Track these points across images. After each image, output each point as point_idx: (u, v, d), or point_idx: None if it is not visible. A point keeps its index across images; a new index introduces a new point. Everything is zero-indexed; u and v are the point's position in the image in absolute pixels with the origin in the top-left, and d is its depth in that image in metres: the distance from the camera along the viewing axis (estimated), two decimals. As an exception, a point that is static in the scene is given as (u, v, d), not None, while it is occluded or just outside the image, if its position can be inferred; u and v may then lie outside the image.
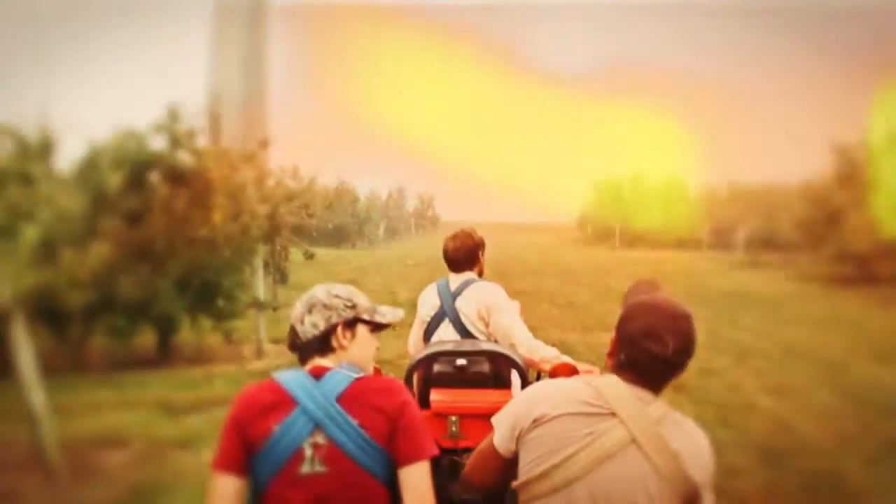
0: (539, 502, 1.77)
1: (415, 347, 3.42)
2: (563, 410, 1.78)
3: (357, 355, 1.97)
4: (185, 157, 7.66)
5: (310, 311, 1.93)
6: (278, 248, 10.91)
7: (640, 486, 1.70)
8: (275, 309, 8.60)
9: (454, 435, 2.78)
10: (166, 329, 7.72)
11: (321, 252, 21.37)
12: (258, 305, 7.91)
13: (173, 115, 7.46)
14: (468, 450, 2.64)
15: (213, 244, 7.43)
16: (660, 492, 1.70)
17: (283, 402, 1.84)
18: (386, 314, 2.05)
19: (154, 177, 7.43)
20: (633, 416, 1.73)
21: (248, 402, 1.87)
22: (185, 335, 7.97)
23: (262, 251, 8.18)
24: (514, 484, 1.84)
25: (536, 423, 1.80)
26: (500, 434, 1.88)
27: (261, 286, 8.03)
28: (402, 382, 1.98)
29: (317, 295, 1.96)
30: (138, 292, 7.19)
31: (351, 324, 1.97)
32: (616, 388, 1.79)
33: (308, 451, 1.80)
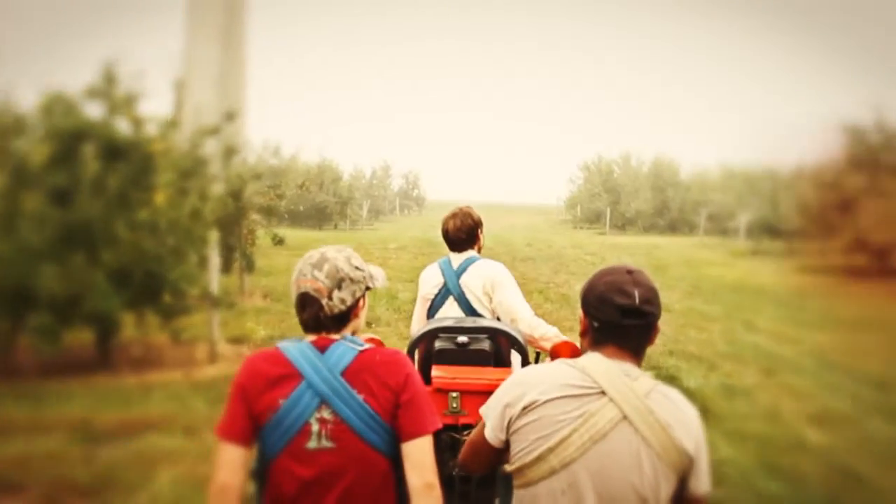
0: (536, 486, 1.76)
1: (417, 325, 3.42)
2: (552, 395, 1.77)
3: (361, 322, 1.99)
4: (125, 127, 6.52)
5: (339, 286, 1.88)
6: (245, 231, 9.79)
7: (635, 462, 1.70)
8: (231, 306, 7.43)
9: (455, 411, 2.79)
10: (104, 328, 6.60)
11: (299, 234, 20.23)
12: (212, 301, 6.76)
13: (109, 78, 6.29)
14: (468, 426, 2.68)
15: (156, 229, 6.29)
16: (653, 466, 1.70)
17: (289, 375, 1.83)
18: (378, 278, 2.02)
19: (87, 150, 6.27)
20: (621, 392, 1.74)
21: (255, 373, 1.84)
22: (132, 333, 6.87)
23: (217, 237, 6.96)
24: (509, 468, 1.83)
25: (526, 409, 1.79)
26: (491, 425, 1.88)
27: (215, 278, 6.84)
28: (406, 355, 1.96)
29: (341, 267, 1.89)
30: (67, 286, 6.08)
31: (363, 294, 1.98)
32: (601, 366, 1.79)
33: (315, 427, 1.81)
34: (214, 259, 6.66)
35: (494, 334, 3.00)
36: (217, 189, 7.00)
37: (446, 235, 3.39)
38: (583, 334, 1.91)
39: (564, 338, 3.08)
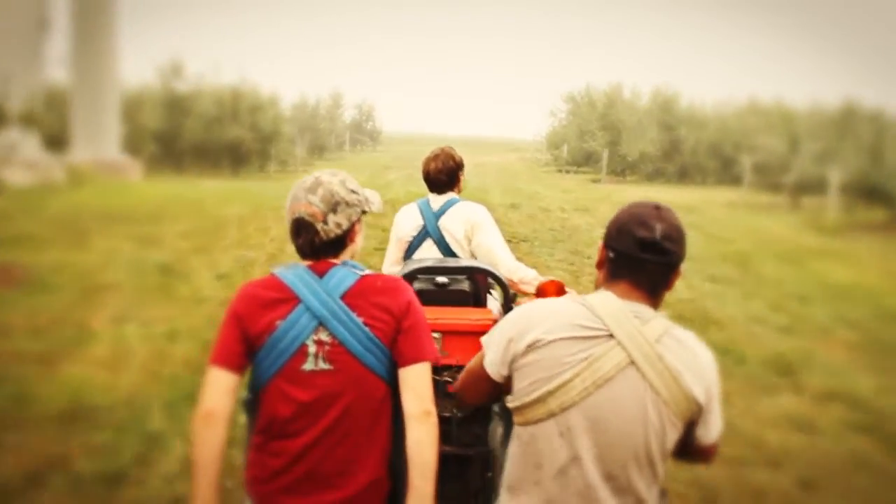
0: (534, 427, 1.69)
1: (391, 267, 3.37)
2: (558, 335, 1.68)
3: (359, 247, 1.95)
4: None
5: (334, 210, 1.82)
6: None
7: (639, 409, 1.62)
8: None
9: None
10: None
11: (183, 184, 13.70)
12: None
13: None
14: (450, 367, 2.67)
15: None
16: (659, 413, 1.62)
17: (285, 298, 1.79)
18: (374, 202, 1.95)
19: None
20: (630, 336, 1.65)
21: (250, 297, 1.82)
22: None
23: None
24: (510, 405, 1.75)
25: (531, 347, 1.70)
26: (491, 358, 1.79)
27: None
28: (406, 282, 1.92)
29: (336, 191, 1.82)
30: None
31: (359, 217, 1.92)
32: (612, 306, 1.69)
33: (312, 348, 1.78)
34: None
35: (473, 274, 3.03)
36: None
37: (427, 177, 3.36)
38: (599, 265, 1.81)
39: (546, 278, 2.99)
